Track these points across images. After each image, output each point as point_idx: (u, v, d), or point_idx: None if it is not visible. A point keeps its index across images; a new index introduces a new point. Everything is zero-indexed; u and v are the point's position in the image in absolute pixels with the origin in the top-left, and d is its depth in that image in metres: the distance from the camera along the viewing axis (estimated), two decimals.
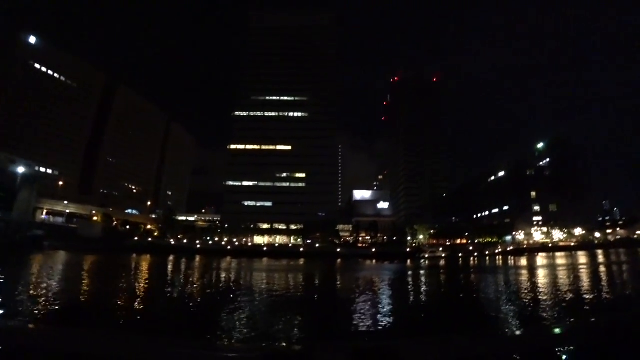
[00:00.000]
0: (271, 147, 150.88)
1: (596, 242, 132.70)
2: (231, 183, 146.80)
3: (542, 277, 44.68)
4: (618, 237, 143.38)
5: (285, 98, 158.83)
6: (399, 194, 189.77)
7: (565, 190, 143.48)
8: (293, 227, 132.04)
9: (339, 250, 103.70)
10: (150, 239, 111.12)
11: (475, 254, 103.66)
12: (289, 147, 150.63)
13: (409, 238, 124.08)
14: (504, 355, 3.90)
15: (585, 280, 38.58)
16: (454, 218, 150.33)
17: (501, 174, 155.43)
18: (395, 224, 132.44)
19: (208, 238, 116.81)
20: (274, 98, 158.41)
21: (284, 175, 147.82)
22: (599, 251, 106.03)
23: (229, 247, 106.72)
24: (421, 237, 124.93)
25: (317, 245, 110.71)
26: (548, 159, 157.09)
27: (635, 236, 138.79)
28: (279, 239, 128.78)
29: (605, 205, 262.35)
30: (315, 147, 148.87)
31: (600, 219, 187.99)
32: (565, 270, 51.59)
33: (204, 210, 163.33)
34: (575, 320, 18.87)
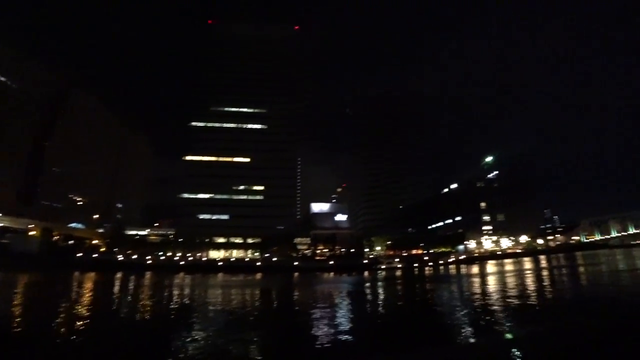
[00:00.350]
0: (229, 159, 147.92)
1: (539, 248, 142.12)
2: (187, 195, 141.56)
3: (491, 284, 47.17)
4: (558, 242, 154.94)
5: (245, 109, 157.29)
6: (357, 206, 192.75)
7: (511, 201, 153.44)
8: (250, 240, 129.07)
9: (296, 263, 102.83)
10: (95, 255, 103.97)
11: (430, 263, 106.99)
12: (248, 159, 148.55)
13: (366, 250, 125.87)
14: None
15: (528, 285, 41.44)
16: (410, 229, 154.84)
17: (454, 186, 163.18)
18: (353, 236, 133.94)
19: (160, 253, 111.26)
20: (233, 109, 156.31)
21: (242, 187, 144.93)
22: (542, 257, 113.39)
23: (182, 263, 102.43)
24: (378, 248, 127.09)
25: (275, 259, 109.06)
26: (496, 172, 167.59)
27: (572, 241, 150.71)
28: (236, 253, 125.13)
29: (547, 213, 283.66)
30: (275, 160, 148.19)
31: (543, 226, 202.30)
32: (512, 276, 54.53)
33: (157, 224, 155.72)
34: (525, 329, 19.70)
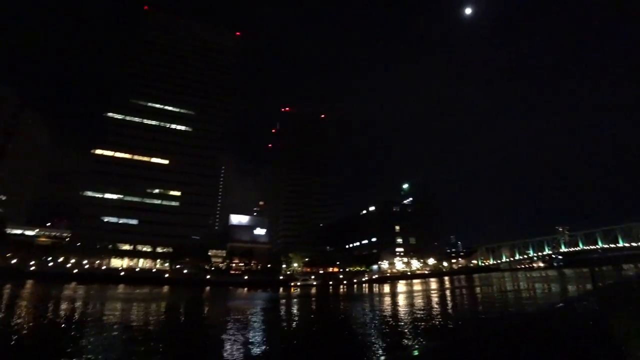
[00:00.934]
0: (145, 159, 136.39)
1: (444, 269, 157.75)
2: (90, 194, 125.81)
3: (400, 303, 50.79)
4: (460, 265, 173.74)
5: (170, 108, 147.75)
6: (277, 221, 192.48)
7: (422, 226, 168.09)
8: (160, 249, 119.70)
9: (209, 277, 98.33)
10: None
11: (345, 282, 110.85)
12: (166, 162, 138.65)
13: (284, 266, 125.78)
14: None
15: (433, 304, 46.38)
16: (328, 247, 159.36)
17: (372, 208, 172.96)
18: (271, 251, 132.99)
19: (50, 258, 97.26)
20: (157, 106, 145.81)
21: (157, 191, 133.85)
22: (446, 277, 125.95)
23: (75, 271, 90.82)
24: (295, 265, 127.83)
25: (186, 271, 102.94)
26: (411, 198, 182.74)
27: (471, 264, 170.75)
28: (142, 263, 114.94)
29: (453, 239, 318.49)
30: (196, 165, 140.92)
31: (448, 250, 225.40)
32: (419, 296, 59.65)
33: (49, 224, 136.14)
34: (426, 343, 22.24)
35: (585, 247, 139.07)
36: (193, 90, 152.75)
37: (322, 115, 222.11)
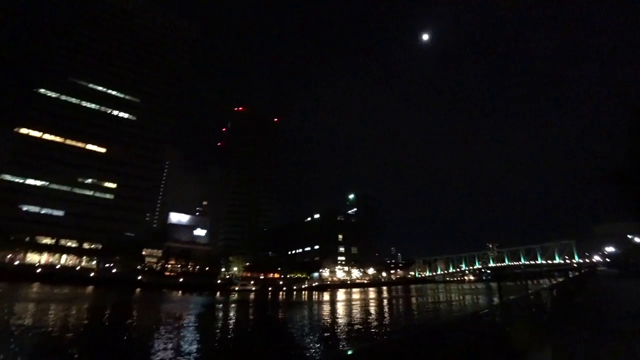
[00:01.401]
0: (79, 144, 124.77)
1: (383, 279, 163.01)
2: (9, 178, 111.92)
3: (339, 310, 51.54)
4: (398, 276, 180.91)
5: (114, 93, 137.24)
6: (220, 223, 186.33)
7: (365, 236, 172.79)
8: (87, 245, 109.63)
9: (140, 278, 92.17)
10: None
11: (284, 288, 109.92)
12: (104, 150, 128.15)
13: (223, 269, 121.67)
14: None
15: (370, 311, 48.28)
16: (271, 253, 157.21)
17: (317, 216, 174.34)
18: (210, 253, 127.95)
19: None
20: (100, 88, 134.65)
21: (89, 181, 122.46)
22: (385, 287, 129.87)
23: None
24: (236, 269, 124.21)
25: (115, 270, 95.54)
26: (355, 209, 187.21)
27: (409, 275, 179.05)
28: (66, 259, 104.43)
29: (393, 251, 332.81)
30: (137, 157, 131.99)
31: (388, 261, 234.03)
32: (357, 304, 60.97)
33: None
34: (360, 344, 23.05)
35: (510, 263, 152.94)
36: (142, 77, 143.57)
37: (276, 119, 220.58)
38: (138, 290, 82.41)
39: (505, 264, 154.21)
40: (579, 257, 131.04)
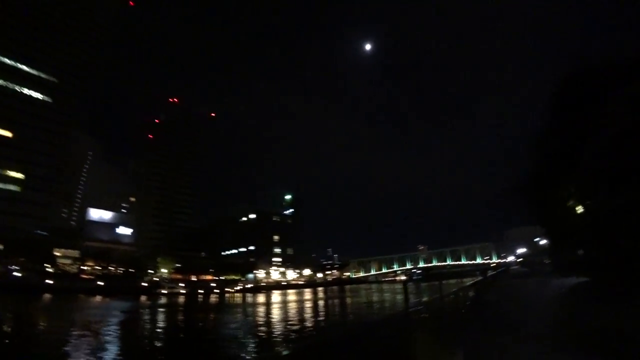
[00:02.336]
0: None
1: (318, 280, 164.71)
2: None
3: (273, 312, 51.17)
4: (334, 277, 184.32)
5: (25, 68, 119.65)
6: (147, 221, 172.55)
7: (300, 238, 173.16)
8: None
9: (49, 281, 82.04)
10: None
11: (216, 290, 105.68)
12: (9, 134, 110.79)
13: (151, 271, 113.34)
14: None
15: (302, 312, 48.60)
16: (203, 253, 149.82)
17: (252, 216, 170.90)
18: (135, 254, 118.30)
19: None
20: (7, 61, 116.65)
21: None
22: (320, 288, 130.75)
23: None
24: (164, 270, 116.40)
25: (17, 273, 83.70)
26: (292, 210, 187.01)
27: (344, 276, 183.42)
28: None
29: (330, 252, 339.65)
30: (50, 144, 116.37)
31: (324, 262, 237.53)
32: (292, 305, 60.69)
33: None
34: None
35: (437, 264, 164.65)
36: (59, 53, 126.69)
37: (213, 114, 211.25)
38: (47, 296, 73.59)
39: (433, 264, 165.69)
40: (497, 257, 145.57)
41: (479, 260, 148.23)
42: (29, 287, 76.16)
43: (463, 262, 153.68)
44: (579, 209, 28.29)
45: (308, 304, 63.77)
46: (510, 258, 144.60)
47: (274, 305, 62.22)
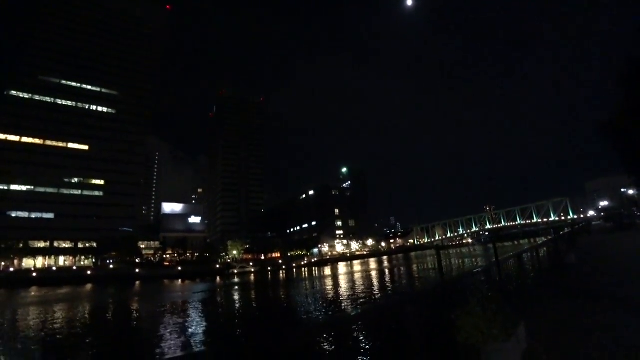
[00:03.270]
0: (60, 144, 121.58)
1: (382, 250, 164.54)
2: None
3: (338, 283, 52.87)
4: (398, 245, 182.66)
5: (89, 87, 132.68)
6: (216, 209, 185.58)
7: (361, 208, 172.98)
8: (82, 245, 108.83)
9: (138, 271, 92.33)
10: None
11: (284, 267, 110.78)
12: (86, 147, 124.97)
13: (223, 254, 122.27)
14: None
15: (371, 282, 48.83)
16: (270, 233, 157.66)
17: (311, 192, 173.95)
18: (206, 239, 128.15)
19: None
20: (73, 84, 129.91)
21: (75, 180, 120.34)
22: (385, 257, 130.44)
23: None
24: (235, 252, 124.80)
25: (112, 266, 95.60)
26: (349, 182, 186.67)
27: (409, 244, 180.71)
28: (63, 261, 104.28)
29: (392, 220, 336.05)
30: (122, 151, 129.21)
31: (387, 231, 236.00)
32: (358, 276, 61.65)
33: None
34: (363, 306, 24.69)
35: (506, 224, 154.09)
36: (116, 68, 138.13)
37: (262, 98, 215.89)
38: (138, 283, 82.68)
39: (501, 225, 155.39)
40: (574, 214, 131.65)
41: (553, 218, 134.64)
42: (121, 276, 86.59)
43: (535, 220, 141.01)
44: None
45: (369, 274, 64.16)
46: (591, 213, 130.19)
47: (341, 277, 63.57)
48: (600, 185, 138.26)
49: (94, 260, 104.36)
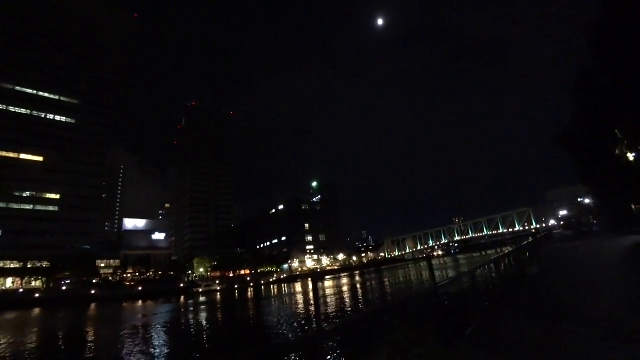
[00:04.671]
0: (12, 155, 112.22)
1: (354, 264, 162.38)
2: None
3: (307, 299, 51.07)
4: (369, 258, 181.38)
5: (46, 94, 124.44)
6: (183, 224, 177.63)
7: (332, 223, 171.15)
8: (31, 264, 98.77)
9: (94, 292, 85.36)
10: None
11: (251, 284, 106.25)
12: (40, 158, 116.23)
13: (189, 272, 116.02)
14: None
15: (339, 295, 47.02)
16: (239, 249, 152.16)
17: (281, 207, 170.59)
18: (171, 257, 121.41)
19: None
20: (29, 91, 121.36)
21: (27, 194, 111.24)
22: (357, 272, 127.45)
23: None
24: (201, 270, 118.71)
25: (65, 287, 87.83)
26: (320, 196, 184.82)
27: (380, 257, 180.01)
28: (11, 282, 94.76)
29: (364, 234, 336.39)
30: (81, 163, 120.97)
31: (359, 244, 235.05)
32: (327, 291, 59.24)
33: None
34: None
35: (474, 235, 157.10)
36: (77, 75, 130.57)
37: (232, 112, 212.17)
38: (93, 305, 76.39)
39: (470, 236, 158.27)
40: (537, 223, 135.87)
41: (518, 228, 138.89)
42: (76, 298, 79.59)
43: (501, 231, 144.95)
44: (630, 157, 23.89)
45: (333, 290, 62.03)
46: (552, 222, 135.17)
47: (304, 293, 61.19)
48: (560, 195, 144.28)
49: (45, 281, 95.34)
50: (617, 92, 20.49)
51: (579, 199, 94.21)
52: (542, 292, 10.76)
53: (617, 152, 25.11)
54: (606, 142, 25.27)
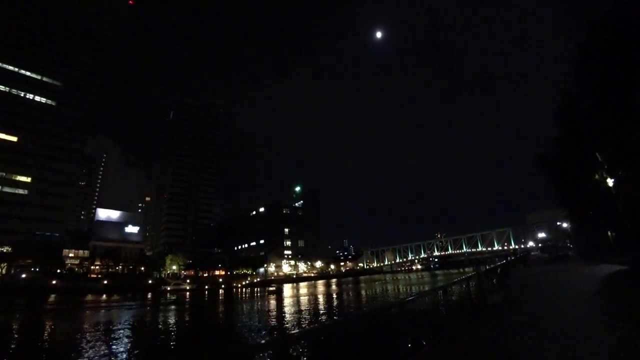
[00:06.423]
0: None
1: (331, 272, 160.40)
2: None
3: (266, 304, 49.91)
4: (348, 268, 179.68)
5: (28, 73, 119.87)
6: (161, 219, 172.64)
7: (312, 229, 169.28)
8: None
9: (55, 282, 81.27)
10: None
11: (223, 285, 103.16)
12: (14, 139, 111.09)
13: (162, 268, 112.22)
14: None
15: (298, 304, 43.37)
16: (216, 249, 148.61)
17: (262, 209, 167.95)
18: (143, 251, 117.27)
19: None
20: (10, 68, 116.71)
21: None
22: (334, 280, 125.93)
23: None
24: (174, 267, 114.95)
25: (24, 275, 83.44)
26: (302, 201, 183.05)
27: (358, 267, 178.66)
28: None
29: (345, 243, 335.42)
30: (57, 148, 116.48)
31: (339, 253, 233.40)
32: (299, 297, 57.55)
33: None
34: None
35: (453, 252, 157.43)
36: (62, 57, 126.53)
37: (221, 110, 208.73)
38: (52, 297, 72.52)
39: (449, 252, 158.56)
40: (516, 243, 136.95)
41: (497, 247, 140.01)
42: (35, 289, 75.49)
43: (481, 249, 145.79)
44: (609, 182, 23.15)
45: (306, 297, 60.16)
46: (531, 243, 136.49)
47: (278, 300, 59.08)
48: (539, 218, 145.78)
49: (4, 267, 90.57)
50: (600, 116, 19.71)
51: (558, 223, 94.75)
52: (495, 332, 8.97)
53: (596, 176, 24.51)
54: (586, 166, 24.64)
